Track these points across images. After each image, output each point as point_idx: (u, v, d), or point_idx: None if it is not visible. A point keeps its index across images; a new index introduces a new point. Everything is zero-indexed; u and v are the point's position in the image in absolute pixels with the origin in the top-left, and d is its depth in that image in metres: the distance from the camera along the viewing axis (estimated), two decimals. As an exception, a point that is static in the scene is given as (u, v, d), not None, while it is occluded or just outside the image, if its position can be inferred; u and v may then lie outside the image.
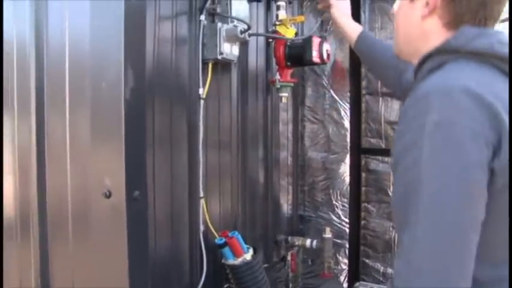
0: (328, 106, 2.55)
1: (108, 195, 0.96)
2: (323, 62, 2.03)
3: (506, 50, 0.95)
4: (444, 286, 0.85)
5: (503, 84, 0.92)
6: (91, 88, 1.02)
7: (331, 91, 2.53)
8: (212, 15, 1.82)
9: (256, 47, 2.19)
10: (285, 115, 2.51)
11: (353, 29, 1.78)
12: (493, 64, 0.94)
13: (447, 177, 0.84)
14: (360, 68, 2.41)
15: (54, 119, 1.19)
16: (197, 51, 1.76)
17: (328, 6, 1.84)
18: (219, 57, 1.76)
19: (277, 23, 2.08)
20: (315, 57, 1.97)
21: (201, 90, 1.77)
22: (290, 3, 2.37)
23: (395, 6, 1.18)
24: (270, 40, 2.19)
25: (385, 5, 2.34)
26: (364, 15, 2.37)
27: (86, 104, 1.00)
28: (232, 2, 1.82)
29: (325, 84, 2.54)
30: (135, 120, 0.97)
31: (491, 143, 0.85)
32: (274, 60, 2.15)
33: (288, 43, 2.04)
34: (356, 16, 2.22)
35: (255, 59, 2.20)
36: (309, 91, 2.60)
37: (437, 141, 0.85)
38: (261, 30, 2.24)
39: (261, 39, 2.22)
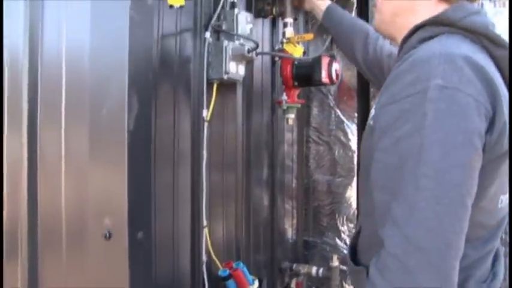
0: (335, 127, 2.45)
1: (108, 237, 0.85)
2: (332, 83, 1.93)
3: (497, 34, 0.96)
4: (444, 262, 0.82)
5: (494, 68, 0.92)
6: (89, 114, 0.91)
7: (338, 111, 2.43)
8: (217, 32, 1.72)
9: (261, 65, 2.09)
10: (290, 136, 2.41)
11: (322, 2, 1.83)
12: (483, 45, 0.94)
13: (451, 144, 0.82)
14: (368, 88, 2.31)
15: (49, 137, 1.09)
16: (201, 71, 1.66)
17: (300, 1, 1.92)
18: (225, 77, 1.66)
19: (284, 40, 1.98)
20: (324, 77, 1.87)
21: (205, 112, 1.66)
22: (295, 19, 2.28)
23: None
24: (276, 59, 2.09)
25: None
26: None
27: (83, 132, 0.90)
28: (239, 18, 1.72)
29: (331, 104, 2.44)
30: (139, 153, 0.86)
31: (488, 117, 0.85)
32: (280, 79, 2.05)
33: (296, 62, 1.94)
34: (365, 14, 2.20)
35: (260, 77, 2.10)
36: (315, 111, 2.50)
37: (441, 107, 0.83)
38: (267, 47, 2.15)
39: (267, 57, 2.13)
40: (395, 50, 1.53)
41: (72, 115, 0.93)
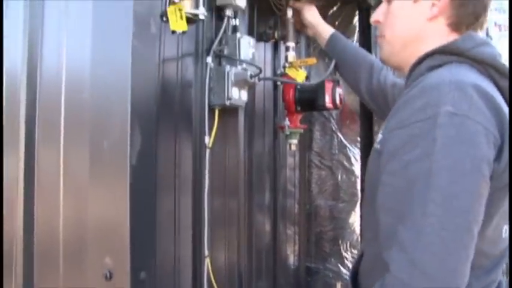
0: (337, 151, 2.42)
1: (109, 277, 0.80)
2: (336, 108, 1.90)
3: (504, 64, 0.97)
4: (449, 287, 0.82)
5: (500, 98, 0.92)
6: (89, 146, 0.87)
7: (340, 135, 2.40)
8: (219, 57, 1.69)
9: (263, 89, 2.06)
10: (292, 160, 2.37)
11: (326, 29, 1.81)
12: (490, 76, 0.95)
13: (459, 171, 0.83)
14: (371, 112, 2.28)
15: (47, 161, 1.04)
16: (203, 96, 1.62)
17: (303, 25, 1.90)
18: (227, 103, 1.62)
19: (286, 65, 1.95)
20: (328, 102, 1.84)
21: (207, 139, 1.62)
22: (297, 43, 2.26)
23: (379, 13, 1.16)
24: (279, 83, 2.06)
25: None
26: (376, 55, 2.25)
27: (84, 167, 0.85)
28: (241, 43, 1.70)
29: (333, 128, 2.42)
30: (142, 190, 0.82)
31: (497, 145, 0.86)
32: (282, 103, 2.02)
33: (298, 86, 1.92)
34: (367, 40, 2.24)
35: (262, 102, 2.07)
36: (317, 135, 2.47)
37: (451, 133, 0.83)
38: (269, 71, 2.12)
39: (268, 81, 2.10)
40: (399, 80, 1.53)
41: (71, 147, 0.89)
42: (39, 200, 0.98)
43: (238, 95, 1.67)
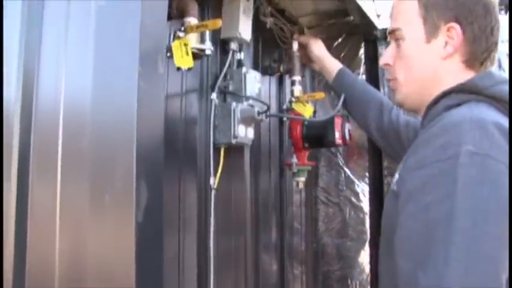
0: (345, 187, 2.32)
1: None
2: (345, 144, 1.82)
3: None
4: None
5: None
6: (90, 199, 0.78)
7: (347, 171, 2.31)
8: (224, 93, 1.61)
9: (268, 125, 1.98)
10: (298, 197, 2.28)
11: (333, 63, 1.76)
12: (505, 114, 0.92)
13: (483, 213, 0.78)
14: (380, 146, 2.21)
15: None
16: (208, 135, 1.54)
17: (309, 59, 1.85)
18: (233, 141, 1.54)
19: (293, 99, 1.88)
20: (338, 138, 1.76)
21: (212, 180, 1.53)
22: (303, 76, 2.19)
23: (388, 56, 1.12)
24: (285, 118, 1.98)
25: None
26: (383, 89, 2.19)
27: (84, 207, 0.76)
28: (247, 78, 1.62)
29: (340, 163, 2.33)
30: (149, 247, 0.73)
31: None
32: (288, 139, 1.95)
33: (306, 122, 1.84)
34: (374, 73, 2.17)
35: (268, 137, 1.99)
36: (323, 171, 2.38)
37: (472, 173, 0.80)
38: (274, 105, 2.05)
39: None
40: (412, 119, 1.48)
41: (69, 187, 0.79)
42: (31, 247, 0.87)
43: (245, 133, 1.59)
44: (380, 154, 2.20)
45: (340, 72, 1.71)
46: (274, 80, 2.07)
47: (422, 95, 1.07)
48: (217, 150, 1.58)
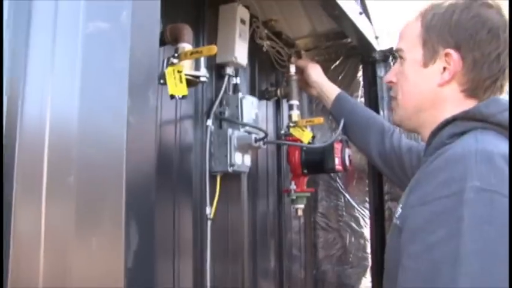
0: (344, 213, 2.25)
1: None
2: (345, 170, 1.76)
3: None
4: None
5: None
6: (76, 242, 0.72)
7: (347, 196, 2.25)
8: (220, 119, 1.56)
9: (266, 150, 1.93)
10: (297, 223, 2.21)
11: (331, 88, 1.72)
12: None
13: (492, 256, 0.73)
14: (380, 171, 2.15)
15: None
16: (204, 163, 1.49)
17: (307, 84, 1.81)
18: (230, 169, 1.49)
19: (291, 124, 1.83)
20: (338, 164, 1.71)
21: (208, 210, 1.47)
22: (300, 100, 2.15)
23: (392, 73, 1.10)
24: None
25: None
26: (383, 112, 2.14)
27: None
28: (244, 103, 1.57)
29: (340, 187, 2.27)
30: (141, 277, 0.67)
31: None
32: (286, 165, 1.89)
33: (304, 148, 1.79)
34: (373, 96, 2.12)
35: (265, 163, 1.93)
36: (322, 195, 2.31)
37: (479, 212, 0.74)
38: (271, 130, 2.00)
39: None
40: (415, 144, 1.45)
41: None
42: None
43: (242, 161, 1.53)
44: (380, 178, 2.14)
45: (338, 97, 1.67)
46: (271, 104, 2.02)
47: (419, 118, 1.03)
48: (213, 178, 1.53)
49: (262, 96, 1.92)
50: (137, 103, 0.71)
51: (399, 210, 0.94)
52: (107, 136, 0.71)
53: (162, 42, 1.28)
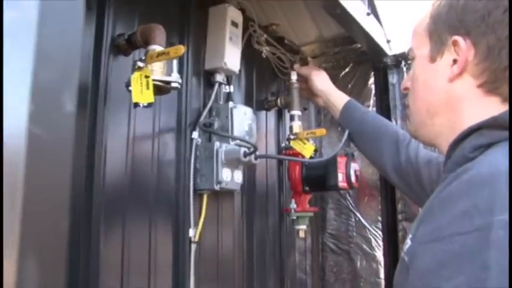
0: (355, 233, 2.07)
1: None
2: (351, 187, 1.59)
3: None
4: None
5: None
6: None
7: (358, 215, 2.06)
8: (209, 132, 1.41)
9: (265, 165, 1.77)
10: (302, 244, 2.04)
11: (339, 97, 1.54)
12: None
13: None
14: (394, 187, 1.96)
15: None
16: (187, 179, 1.33)
17: (312, 94, 1.63)
18: (217, 187, 1.33)
19: (291, 136, 1.67)
20: (341, 181, 1.54)
21: (191, 232, 1.32)
22: (305, 109, 1.99)
23: (407, 78, 0.94)
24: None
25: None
26: (396, 122, 1.97)
27: None
28: (234, 114, 1.42)
29: (350, 206, 2.08)
30: None
31: None
32: (287, 180, 1.73)
33: (305, 163, 1.62)
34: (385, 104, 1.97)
35: (265, 179, 1.77)
36: (331, 214, 2.13)
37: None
38: (272, 143, 1.83)
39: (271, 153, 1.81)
40: (434, 155, 1.26)
41: None
42: None
43: (231, 177, 1.37)
44: (393, 195, 1.96)
45: (346, 106, 1.49)
46: (272, 115, 1.86)
47: (434, 125, 0.86)
48: (199, 197, 1.38)
49: (261, 106, 1.77)
50: (44, 109, 0.56)
51: (408, 242, 0.74)
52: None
53: (134, 46, 1.14)
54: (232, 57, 1.46)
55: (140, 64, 1.03)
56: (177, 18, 1.39)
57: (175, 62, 1.09)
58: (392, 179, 1.34)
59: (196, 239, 1.33)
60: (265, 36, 1.77)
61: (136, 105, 0.99)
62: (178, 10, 1.40)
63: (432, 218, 0.67)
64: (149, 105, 1.00)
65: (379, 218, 2.01)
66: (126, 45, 1.15)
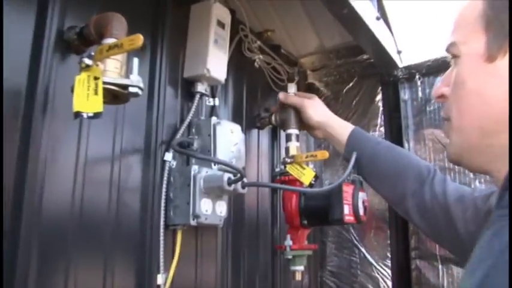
0: (359, 271, 1.81)
1: None
2: (358, 221, 1.32)
3: None
4: None
5: None
6: None
7: (363, 250, 1.81)
8: (186, 154, 1.15)
9: (256, 193, 1.51)
10: (298, 283, 1.77)
11: (341, 127, 1.30)
12: None
13: None
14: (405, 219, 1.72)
15: None
16: (157, 212, 1.07)
17: (309, 127, 1.40)
18: (193, 222, 1.07)
19: (287, 160, 1.41)
20: (347, 214, 1.28)
21: (160, 279, 1.05)
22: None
23: (444, 83, 0.72)
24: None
25: (435, 131, 1.69)
26: (408, 145, 1.72)
27: None
28: (218, 132, 1.17)
29: (354, 239, 1.83)
30: None
31: None
32: (282, 212, 1.47)
33: (304, 193, 1.37)
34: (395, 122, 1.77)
35: (255, 211, 1.51)
36: (331, 249, 1.88)
37: None
38: (265, 167, 1.58)
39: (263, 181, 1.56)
40: (468, 190, 1.02)
41: None
42: None
43: (212, 210, 1.11)
44: (406, 228, 1.71)
45: (352, 137, 1.23)
46: (265, 134, 1.60)
47: (488, 147, 0.65)
48: (173, 233, 1.11)
49: (252, 123, 1.52)
50: None
51: None
52: None
53: (87, 41, 0.89)
54: (216, 64, 1.22)
55: (88, 62, 0.77)
56: (149, 16, 1.15)
57: (136, 61, 0.83)
58: (415, 221, 1.09)
59: (167, 285, 1.07)
60: (258, 43, 1.53)
61: (77, 115, 0.74)
62: (152, 7, 1.16)
63: (486, 279, 0.53)
64: (96, 115, 0.75)
65: (388, 255, 1.76)
66: (78, 41, 0.90)
